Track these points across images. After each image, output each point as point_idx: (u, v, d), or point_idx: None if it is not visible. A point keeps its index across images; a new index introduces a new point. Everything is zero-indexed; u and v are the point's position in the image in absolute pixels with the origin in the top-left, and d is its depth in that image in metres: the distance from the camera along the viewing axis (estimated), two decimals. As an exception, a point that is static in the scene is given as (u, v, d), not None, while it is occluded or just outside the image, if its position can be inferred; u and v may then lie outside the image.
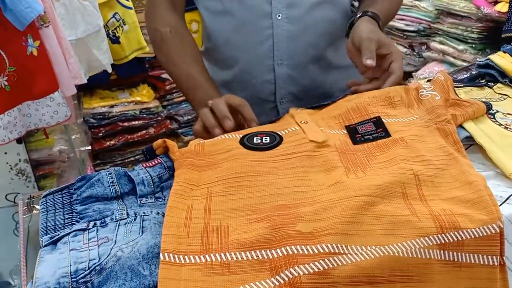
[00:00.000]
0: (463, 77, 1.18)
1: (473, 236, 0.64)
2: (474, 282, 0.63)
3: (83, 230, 0.68)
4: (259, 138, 0.81)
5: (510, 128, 0.84)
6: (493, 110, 0.90)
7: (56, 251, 0.65)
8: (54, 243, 0.67)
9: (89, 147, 2.31)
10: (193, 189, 0.71)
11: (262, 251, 0.61)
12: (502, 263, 0.64)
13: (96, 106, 2.45)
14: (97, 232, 0.68)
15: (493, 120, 0.87)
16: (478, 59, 1.39)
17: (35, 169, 1.78)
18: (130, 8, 2.27)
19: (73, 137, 1.93)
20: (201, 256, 0.61)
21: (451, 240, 0.63)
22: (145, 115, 2.61)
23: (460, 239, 0.63)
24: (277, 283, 0.58)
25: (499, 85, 1.04)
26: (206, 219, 0.66)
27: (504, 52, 1.11)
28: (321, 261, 0.59)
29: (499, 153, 0.77)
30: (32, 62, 1.50)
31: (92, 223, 0.69)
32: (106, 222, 0.70)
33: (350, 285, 0.59)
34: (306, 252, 0.60)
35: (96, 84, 2.45)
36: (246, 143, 0.80)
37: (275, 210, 0.66)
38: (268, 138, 0.81)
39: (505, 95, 1.00)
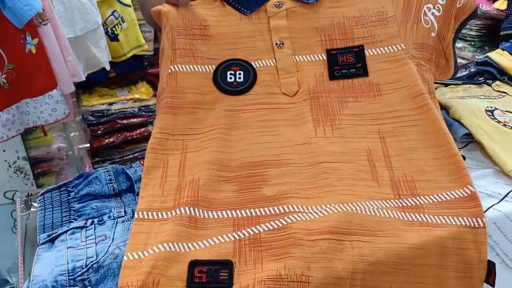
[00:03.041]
0: (461, 75, 1.18)
1: (431, 202, 0.65)
2: (447, 241, 0.62)
3: (81, 228, 0.68)
4: (233, 73, 0.79)
5: (509, 126, 0.84)
6: (491, 108, 0.90)
7: (54, 249, 0.65)
8: (51, 241, 0.67)
9: (88, 145, 2.30)
10: (168, 140, 0.73)
11: (228, 211, 0.65)
12: (475, 225, 0.63)
13: (95, 104, 2.44)
14: (94, 230, 0.68)
15: (491, 117, 0.86)
16: (476, 56, 1.39)
17: (33, 167, 1.77)
18: (129, 6, 2.26)
19: (72, 134, 1.93)
20: (173, 211, 0.64)
21: (410, 204, 0.65)
22: (144, 113, 2.59)
23: (419, 203, 0.65)
24: (237, 237, 0.62)
25: (497, 82, 1.04)
26: (180, 176, 0.69)
27: (503, 49, 1.11)
28: (281, 219, 0.63)
29: (498, 151, 0.77)
30: (31, 60, 1.50)
31: (89, 221, 0.69)
32: (104, 220, 0.70)
33: (307, 235, 0.60)
34: (269, 213, 0.64)
35: (94, 82, 2.44)
36: (220, 82, 0.78)
37: (243, 169, 0.70)
38: (241, 73, 0.79)
39: (504, 92, 1.00)
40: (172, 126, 0.74)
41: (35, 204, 0.76)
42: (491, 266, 0.63)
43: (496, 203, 0.68)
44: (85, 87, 2.43)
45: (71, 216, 0.71)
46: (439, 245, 0.61)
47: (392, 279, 0.60)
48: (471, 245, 0.62)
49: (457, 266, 0.62)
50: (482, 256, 0.62)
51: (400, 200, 0.66)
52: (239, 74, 0.80)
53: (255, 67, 0.80)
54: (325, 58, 0.80)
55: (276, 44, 0.81)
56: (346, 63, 0.79)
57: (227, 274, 0.59)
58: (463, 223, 0.63)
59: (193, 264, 0.60)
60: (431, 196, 0.66)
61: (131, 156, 2.67)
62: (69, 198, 0.74)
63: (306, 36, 0.82)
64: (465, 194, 0.66)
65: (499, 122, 0.85)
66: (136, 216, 0.64)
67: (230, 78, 0.79)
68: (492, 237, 0.66)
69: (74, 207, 0.72)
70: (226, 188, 0.68)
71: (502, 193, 0.70)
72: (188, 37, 0.80)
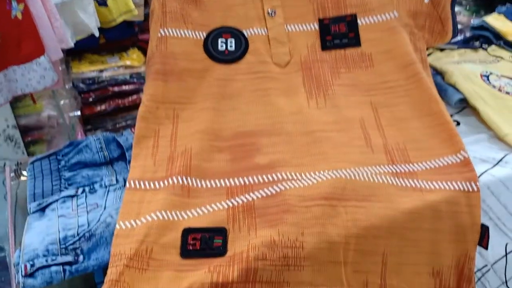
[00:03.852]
0: (457, 40, 1.16)
1: (424, 168, 0.65)
2: (441, 206, 0.62)
3: (72, 196, 0.68)
4: (224, 41, 0.78)
5: (504, 90, 0.83)
6: (487, 73, 0.89)
7: (45, 218, 0.65)
8: (42, 209, 0.66)
9: (79, 113, 2.28)
10: (159, 108, 0.71)
11: (221, 180, 0.65)
12: (469, 189, 0.63)
13: (85, 71, 2.40)
14: (86, 198, 0.67)
15: (487, 82, 0.86)
16: (472, 21, 1.37)
17: (24, 135, 1.75)
18: (117, -31, 2.20)
19: (62, 102, 1.90)
20: (165, 181, 0.64)
21: (403, 171, 0.65)
22: (135, 80, 2.55)
23: (412, 170, 0.65)
24: (231, 205, 0.62)
25: (493, 47, 1.02)
26: (172, 146, 0.68)
27: (499, 13, 1.09)
28: (274, 186, 0.63)
29: (493, 115, 0.77)
30: (17, 26, 1.45)
31: (80, 189, 0.69)
32: (95, 188, 0.69)
33: (301, 202, 0.60)
34: (262, 181, 0.64)
35: (84, 49, 2.39)
36: (211, 50, 0.77)
37: (236, 138, 0.69)
38: (233, 42, 0.78)
39: (500, 57, 0.99)
40: (163, 94, 0.72)
41: (25, 173, 0.75)
42: (484, 230, 0.63)
43: (490, 168, 0.68)
44: (74, 54, 2.38)
45: (61, 184, 0.70)
46: (432, 209, 0.61)
47: (386, 243, 0.60)
48: (464, 208, 0.62)
49: (450, 229, 0.62)
50: (475, 219, 0.62)
51: (394, 166, 0.65)
52: (231, 42, 0.78)
53: (246, 35, 0.79)
54: (317, 28, 0.79)
55: (268, 12, 0.79)
56: (339, 33, 0.78)
57: (221, 241, 0.59)
58: (457, 188, 0.63)
59: (187, 231, 0.60)
60: (424, 163, 0.66)
61: (123, 123, 2.64)
62: (59, 166, 0.73)
63: (299, 4, 0.80)
64: (458, 160, 0.66)
65: (494, 87, 0.85)
66: (128, 185, 0.63)
67: (222, 46, 0.77)
68: (486, 202, 0.66)
69: (64, 176, 0.71)
70: (219, 158, 0.67)
71: (496, 158, 0.70)
72: (179, 1, 0.78)
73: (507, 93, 0.83)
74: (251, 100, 0.73)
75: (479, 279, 0.68)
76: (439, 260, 0.63)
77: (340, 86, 0.74)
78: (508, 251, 0.68)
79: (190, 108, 0.72)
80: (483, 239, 0.63)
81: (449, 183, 0.63)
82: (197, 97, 0.73)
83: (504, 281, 0.69)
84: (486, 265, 0.67)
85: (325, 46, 0.78)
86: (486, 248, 0.64)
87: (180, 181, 0.63)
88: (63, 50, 1.63)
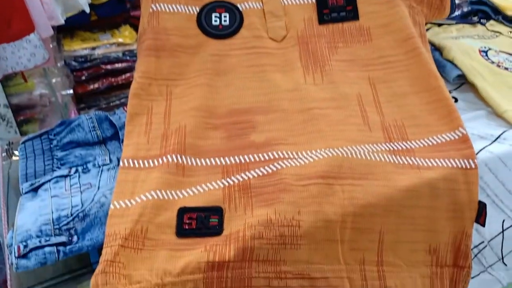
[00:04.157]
0: (455, 15, 1.14)
1: (422, 146, 0.65)
2: (438, 183, 0.61)
3: (65, 176, 0.67)
4: (218, 16, 0.76)
5: (503, 66, 0.82)
6: (485, 48, 0.87)
7: (37, 198, 0.64)
8: (35, 190, 0.65)
9: (71, 91, 2.25)
10: (151, 85, 0.70)
11: (216, 158, 0.64)
12: (467, 166, 0.62)
13: (77, 49, 2.37)
14: (79, 178, 0.66)
15: (485, 58, 0.84)
16: (470, -5, 1.35)
17: (16, 114, 1.73)
18: None
19: (54, 80, 1.88)
20: (159, 159, 0.63)
21: (400, 148, 0.64)
22: (128, 57, 2.53)
23: (409, 147, 0.64)
24: (226, 184, 0.61)
25: (491, 22, 1.01)
26: (166, 123, 0.67)
27: (498, -13, 1.07)
28: (270, 165, 0.62)
29: (491, 92, 0.76)
30: (6, 3, 1.42)
31: (73, 169, 0.68)
32: (89, 168, 0.68)
33: (297, 180, 0.60)
34: (258, 159, 0.63)
35: (76, 26, 2.36)
36: (204, 25, 0.75)
37: (231, 115, 0.68)
38: (227, 16, 0.76)
39: (498, 32, 0.97)
40: (155, 70, 0.70)
41: (17, 153, 0.74)
42: (481, 207, 0.63)
43: (488, 145, 0.67)
44: (66, 32, 2.35)
45: (54, 164, 0.69)
46: (430, 187, 0.61)
47: (383, 221, 0.60)
48: (462, 186, 0.62)
49: (448, 207, 0.62)
50: (473, 196, 0.62)
51: (391, 144, 0.65)
52: (225, 17, 0.76)
53: (241, 9, 0.77)
54: (314, 1, 0.77)
55: None
56: (336, 6, 0.77)
57: (217, 220, 0.59)
58: (455, 165, 0.62)
59: (182, 211, 0.59)
60: (421, 140, 0.65)
61: (117, 102, 2.62)
62: (51, 146, 0.72)
63: None
64: (456, 137, 0.65)
65: (492, 62, 0.83)
66: (121, 164, 0.62)
67: (215, 21, 0.75)
68: (483, 178, 0.65)
69: (57, 155, 0.70)
70: (214, 136, 0.66)
71: (495, 134, 0.69)
72: None
73: (506, 68, 0.82)
74: (246, 76, 0.72)
75: (475, 255, 0.68)
76: (436, 237, 0.62)
77: (338, 62, 0.73)
78: (505, 227, 0.68)
79: (184, 85, 0.71)
80: (480, 216, 0.63)
81: (446, 160, 0.63)
82: (190, 73, 0.71)
83: (501, 257, 0.69)
84: (483, 242, 0.67)
85: (322, 20, 0.76)
86: (483, 225, 0.64)
87: (175, 160, 0.62)
88: (53, 27, 1.60)
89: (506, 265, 0.69)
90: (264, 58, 0.73)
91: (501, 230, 0.67)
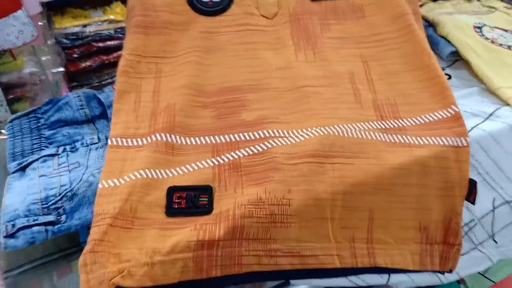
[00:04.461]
0: (450, -10, 1.12)
1: (414, 124, 0.64)
2: (429, 161, 0.61)
3: (53, 155, 0.66)
4: None
5: (497, 43, 0.81)
6: (480, 24, 0.86)
7: (25, 177, 0.63)
8: (22, 169, 0.65)
9: (62, 69, 2.22)
10: (140, 62, 0.69)
11: (206, 137, 0.63)
12: (459, 144, 0.62)
13: (68, 26, 2.33)
14: (67, 157, 0.66)
15: (480, 34, 0.83)
16: (466, -30, 1.33)
17: (6, 93, 1.71)
18: None
19: (44, 58, 1.85)
20: (148, 137, 0.62)
21: (392, 126, 0.64)
22: (120, 35, 2.49)
23: (401, 125, 0.64)
24: (216, 163, 0.61)
25: (487, -3, 1.00)
26: (155, 102, 0.66)
27: (495, -39, 1.05)
28: (261, 144, 0.62)
29: (485, 68, 0.75)
30: (-7, -21, 1.40)
31: (61, 148, 0.67)
32: (77, 147, 0.67)
33: (288, 159, 0.60)
34: (248, 138, 0.63)
35: (66, 2, 2.32)
36: (194, 2, 0.74)
37: (221, 94, 0.67)
38: None
39: (493, 7, 0.96)
40: (144, 47, 0.69)
41: (4, 131, 0.73)
42: (472, 185, 0.62)
43: (481, 122, 0.67)
44: (57, 9, 2.31)
45: (41, 143, 0.68)
46: (421, 165, 0.61)
47: (373, 199, 0.60)
48: (453, 164, 0.61)
49: (438, 185, 0.61)
50: (463, 174, 0.62)
51: (383, 122, 0.64)
52: None
53: None
54: None
55: None
56: None
57: (206, 199, 0.58)
58: (446, 143, 0.62)
59: (172, 190, 0.59)
60: (413, 118, 0.65)
61: (109, 80, 2.60)
62: (39, 125, 0.71)
63: None
64: (449, 115, 0.64)
65: (487, 39, 0.82)
66: (109, 143, 0.61)
67: None
68: (475, 157, 0.65)
69: (44, 134, 0.69)
70: (203, 114, 0.65)
71: (488, 112, 0.69)
72: None
73: (500, 45, 0.81)
74: (236, 54, 0.71)
75: (466, 233, 0.68)
76: (426, 215, 0.62)
77: (330, 39, 0.72)
78: (495, 205, 0.67)
79: (173, 62, 0.69)
80: (471, 194, 0.63)
81: (438, 138, 0.62)
82: (179, 51, 0.70)
83: (491, 235, 0.69)
84: (473, 219, 0.67)
85: None
86: (473, 203, 0.63)
87: (164, 138, 0.62)
88: (42, 4, 1.57)
89: (496, 242, 0.70)
90: (255, 36, 0.72)
91: (492, 208, 0.67)
